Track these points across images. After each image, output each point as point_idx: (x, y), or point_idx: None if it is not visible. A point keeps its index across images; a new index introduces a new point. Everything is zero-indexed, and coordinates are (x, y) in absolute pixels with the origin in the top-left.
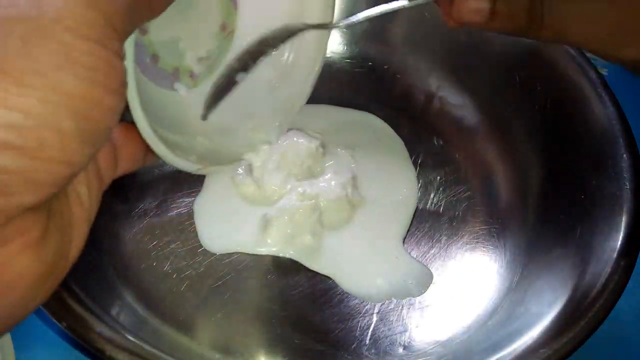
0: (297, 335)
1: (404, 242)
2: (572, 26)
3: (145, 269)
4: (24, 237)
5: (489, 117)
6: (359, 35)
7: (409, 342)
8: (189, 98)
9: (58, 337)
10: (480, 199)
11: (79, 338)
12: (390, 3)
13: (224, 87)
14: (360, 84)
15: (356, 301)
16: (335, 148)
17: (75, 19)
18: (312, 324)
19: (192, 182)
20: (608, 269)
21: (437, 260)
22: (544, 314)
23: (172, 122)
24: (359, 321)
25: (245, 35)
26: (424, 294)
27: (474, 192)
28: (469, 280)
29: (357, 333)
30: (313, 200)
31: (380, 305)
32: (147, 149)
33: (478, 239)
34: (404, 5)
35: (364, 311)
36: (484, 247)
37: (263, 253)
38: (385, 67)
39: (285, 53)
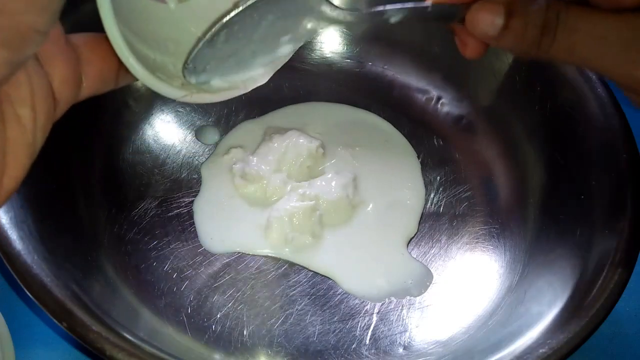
0: (298, 335)
1: (408, 244)
2: (584, 44)
3: (145, 268)
4: None
5: (489, 117)
6: (358, 35)
7: (409, 342)
8: (179, 11)
9: (58, 337)
10: (480, 199)
11: (79, 338)
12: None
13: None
14: (360, 84)
15: (356, 301)
16: (336, 147)
17: None
18: (312, 323)
19: (192, 182)
20: (608, 269)
21: (437, 260)
22: (544, 314)
23: (156, 38)
24: (359, 321)
25: None
26: (424, 294)
27: (474, 192)
28: (469, 280)
29: (358, 333)
30: (313, 201)
31: (381, 305)
32: (120, 67)
33: (478, 239)
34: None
35: (364, 311)
36: (484, 247)
37: (263, 254)
38: (385, 66)
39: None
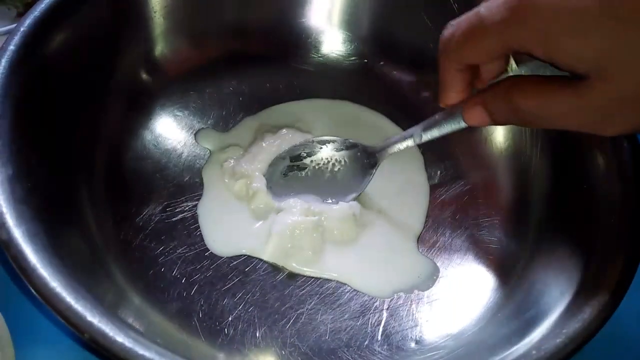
0: (310, 335)
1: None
2: (552, 123)
3: (153, 275)
4: None
5: None
6: (357, 34)
7: (421, 336)
8: None
9: (58, 337)
10: (482, 192)
11: (102, 349)
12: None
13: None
14: (359, 82)
15: (365, 298)
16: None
17: None
18: (323, 322)
19: (195, 186)
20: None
21: (443, 254)
22: (555, 303)
23: None
24: (369, 318)
25: None
26: (432, 288)
27: (474, 185)
28: (475, 273)
29: (369, 329)
30: (316, 217)
31: (390, 301)
32: None
33: (482, 231)
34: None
35: (373, 308)
36: (488, 239)
37: (266, 259)
38: (381, 63)
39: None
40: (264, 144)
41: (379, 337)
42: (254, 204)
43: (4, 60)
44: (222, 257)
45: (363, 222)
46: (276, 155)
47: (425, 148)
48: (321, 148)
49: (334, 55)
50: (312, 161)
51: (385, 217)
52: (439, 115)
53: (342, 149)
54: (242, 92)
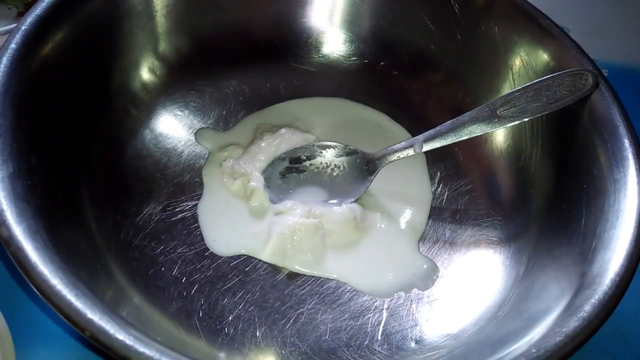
0: (310, 334)
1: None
2: None
3: (153, 274)
4: None
5: None
6: (358, 34)
7: (421, 336)
8: None
9: (58, 337)
10: (482, 192)
11: (102, 347)
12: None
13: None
14: (360, 82)
15: (365, 297)
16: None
17: None
18: (323, 322)
19: (195, 185)
20: (617, 252)
21: (443, 254)
22: (555, 303)
23: None
24: (369, 317)
25: None
26: (432, 288)
27: (475, 185)
28: (475, 273)
29: (369, 329)
30: (317, 220)
31: (390, 301)
32: None
33: (482, 231)
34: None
35: (373, 307)
36: (488, 239)
37: (265, 259)
38: (382, 63)
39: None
40: (263, 144)
41: (379, 337)
42: (252, 203)
43: (5, 59)
44: (222, 257)
45: (364, 225)
46: (276, 156)
47: None
48: (321, 153)
49: (335, 55)
50: (311, 164)
51: (387, 217)
52: (442, 127)
53: (342, 155)
54: (242, 91)
